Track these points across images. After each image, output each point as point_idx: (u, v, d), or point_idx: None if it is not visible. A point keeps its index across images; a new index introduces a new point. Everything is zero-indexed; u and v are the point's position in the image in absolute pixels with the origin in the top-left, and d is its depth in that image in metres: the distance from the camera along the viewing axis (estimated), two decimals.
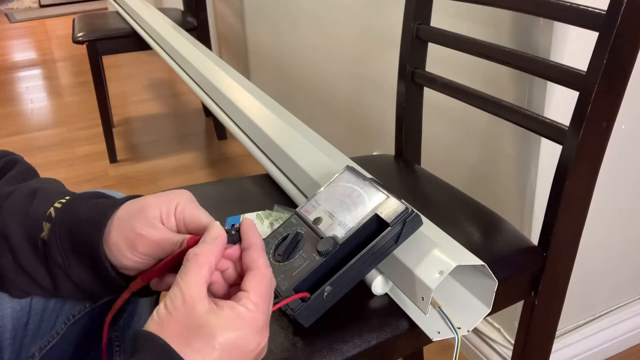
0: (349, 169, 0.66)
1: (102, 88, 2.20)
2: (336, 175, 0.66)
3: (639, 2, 0.62)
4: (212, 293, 0.49)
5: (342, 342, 0.63)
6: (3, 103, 3.03)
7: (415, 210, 0.57)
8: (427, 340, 0.65)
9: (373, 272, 0.68)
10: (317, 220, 0.60)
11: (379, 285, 0.68)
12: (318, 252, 0.57)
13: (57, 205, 0.52)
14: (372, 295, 0.69)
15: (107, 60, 2.22)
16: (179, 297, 0.43)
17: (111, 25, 2.20)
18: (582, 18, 0.68)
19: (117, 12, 2.37)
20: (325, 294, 0.56)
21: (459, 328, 0.65)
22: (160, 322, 0.43)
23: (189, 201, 0.52)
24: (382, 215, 0.56)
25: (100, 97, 2.21)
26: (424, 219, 0.71)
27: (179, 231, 0.51)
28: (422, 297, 0.60)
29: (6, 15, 4.96)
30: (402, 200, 0.58)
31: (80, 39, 2.08)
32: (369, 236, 0.57)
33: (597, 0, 0.68)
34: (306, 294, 0.56)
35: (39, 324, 0.67)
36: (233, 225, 0.49)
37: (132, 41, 2.13)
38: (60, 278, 0.52)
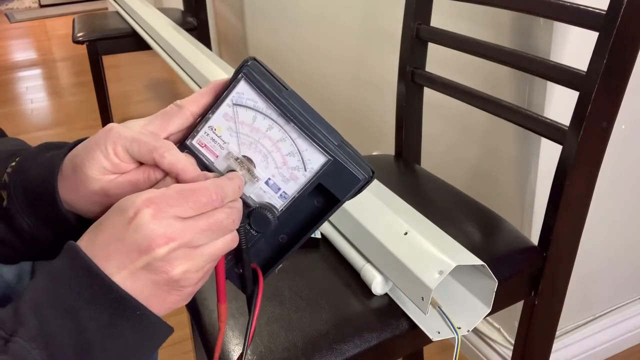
0: (248, 79, 0.44)
1: (102, 88, 2.20)
2: (231, 89, 0.45)
3: (639, 2, 0.62)
4: None
5: (342, 342, 0.63)
6: (3, 103, 3.03)
7: (372, 174, 0.45)
8: (427, 340, 0.65)
9: (373, 272, 0.69)
10: None
11: (379, 285, 0.68)
12: (252, 227, 0.47)
13: (9, 170, 0.50)
14: (372, 295, 0.69)
15: (107, 60, 2.21)
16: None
17: (111, 25, 2.20)
18: (582, 18, 0.68)
19: (117, 12, 2.37)
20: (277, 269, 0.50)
21: (459, 328, 0.65)
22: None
23: (119, 132, 0.48)
24: (330, 189, 0.45)
25: (100, 97, 2.21)
26: (424, 218, 0.71)
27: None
28: (422, 297, 0.60)
29: (6, 15, 4.96)
30: (348, 160, 0.45)
31: (80, 39, 2.08)
32: (314, 206, 0.48)
33: (597, 0, 0.68)
34: (257, 271, 0.49)
35: None
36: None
37: (132, 41, 2.14)
38: (31, 243, 0.50)
